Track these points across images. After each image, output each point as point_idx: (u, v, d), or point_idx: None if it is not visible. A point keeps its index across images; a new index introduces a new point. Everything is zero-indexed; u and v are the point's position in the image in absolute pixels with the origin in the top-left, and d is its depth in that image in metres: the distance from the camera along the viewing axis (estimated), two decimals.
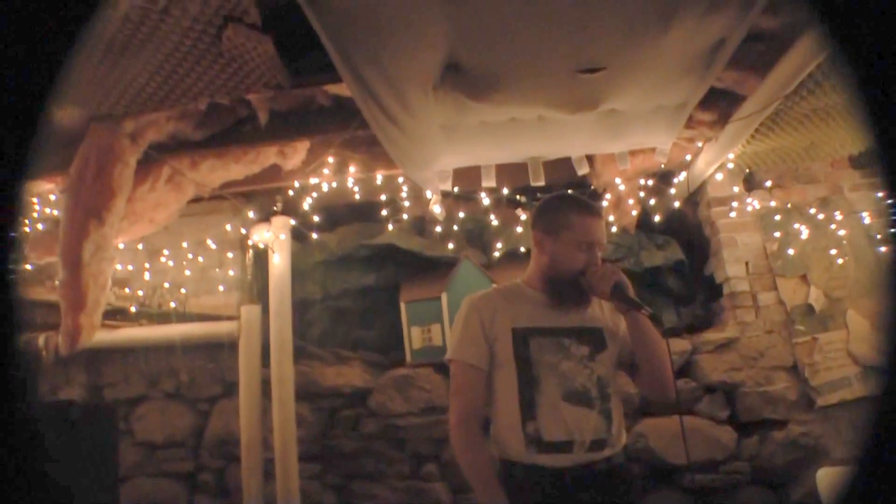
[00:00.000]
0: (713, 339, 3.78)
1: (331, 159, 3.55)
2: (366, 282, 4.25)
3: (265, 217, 3.89)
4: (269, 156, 3.40)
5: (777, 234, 3.84)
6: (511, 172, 3.63)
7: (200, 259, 4.08)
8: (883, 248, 3.77)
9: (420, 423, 3.83)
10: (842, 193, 3.94)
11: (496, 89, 2.60)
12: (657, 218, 4.01)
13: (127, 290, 4.05)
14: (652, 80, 2.65)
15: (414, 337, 3.98)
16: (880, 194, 3.89)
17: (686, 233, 4.26)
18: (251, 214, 3.87)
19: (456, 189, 3.67)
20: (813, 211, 3.85)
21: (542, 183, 3.47)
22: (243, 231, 4.02)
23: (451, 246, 4.13)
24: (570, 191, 2.82)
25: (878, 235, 3.81)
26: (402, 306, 4.02)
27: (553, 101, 2.77)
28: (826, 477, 3.36)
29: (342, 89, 2.87)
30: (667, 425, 3.64)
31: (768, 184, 3.92)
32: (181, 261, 4.08)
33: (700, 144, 3.62)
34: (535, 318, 2.07)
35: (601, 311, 2.17)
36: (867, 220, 3.84)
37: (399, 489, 3.79)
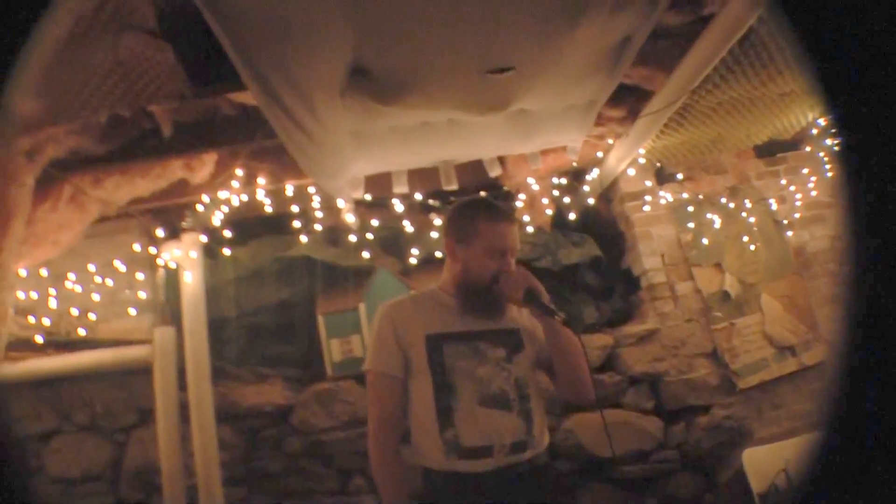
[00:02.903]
0: (635, 331, 3.84)
1: (239, 171, 3.44)
2: (281, 296, 4.13)
3: (174, 234, 3.75)
4: (175, 170, 3.26)
5: (691, 225, 3.92)
6: (423, 177, 3.59)
7: (109, 282, 3.85)
8: (790, 233, 3.91)
9: (345, 436, 3.75)
10: (749, 182, 4.07)
11: (404, 92, 2.56)
12: (572, 216, 4.04)
13: (31, 318, 3.79)
14: (561, 78, 2.66)
15: (334, 349, 3.89)
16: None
17: (601, 229, 4.31)
18: (160, 232, 3.72)
19: (368, 196, 3.61)
20: (724, 200, 3.96)
21: (454, 186, 3.46)
22: (152, 250, 3.84)
23: (366, 255, 4.04)
24: (482, 193, 2.79)
25: (784, 220, 3.94)
26: (320, 319, 3.93)
27: (462, 103, 2.75)
28: (751, 457, 3.46)
29: (248, 98, 2.77)
30: (595, 420, 3.65)
31: (680, 176, 4.01)
32: (88, 284, 3.84)
33: (611, 141, 3.67)
34: (449, 324, 2.05)
35: (518, 312, 2.15)
36: (774, 207, 3.97)
37: None
